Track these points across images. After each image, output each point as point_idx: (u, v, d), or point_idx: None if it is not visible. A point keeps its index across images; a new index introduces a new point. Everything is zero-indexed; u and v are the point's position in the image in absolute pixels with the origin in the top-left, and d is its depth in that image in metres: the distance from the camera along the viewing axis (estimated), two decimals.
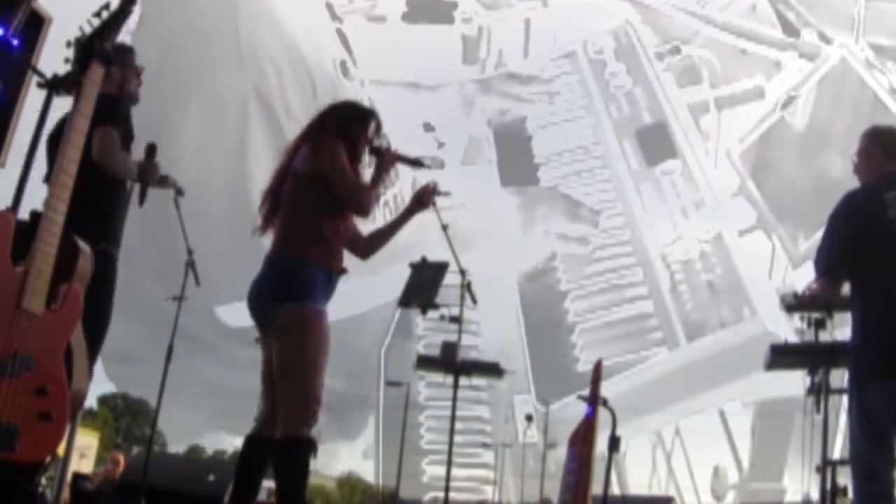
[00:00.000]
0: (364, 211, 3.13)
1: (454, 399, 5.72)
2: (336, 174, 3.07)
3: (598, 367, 5.09)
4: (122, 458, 8.51)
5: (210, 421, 26.87)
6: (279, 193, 3.17)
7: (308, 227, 3.02)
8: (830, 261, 3.11)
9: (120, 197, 3.28)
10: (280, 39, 29.45)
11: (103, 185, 3.15)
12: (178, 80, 27.71)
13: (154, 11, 23.98)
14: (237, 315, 23.15)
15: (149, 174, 3.27)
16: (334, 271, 3.05)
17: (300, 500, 2.79)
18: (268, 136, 27.65)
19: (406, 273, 5.49)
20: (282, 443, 2.85)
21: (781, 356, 4.35)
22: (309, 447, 2.85)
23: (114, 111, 3.20)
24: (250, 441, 3.00)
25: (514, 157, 29.71)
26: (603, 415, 4.74)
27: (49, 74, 2.88)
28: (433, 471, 23.83)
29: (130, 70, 3.52)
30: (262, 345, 3.08)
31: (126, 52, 3.53)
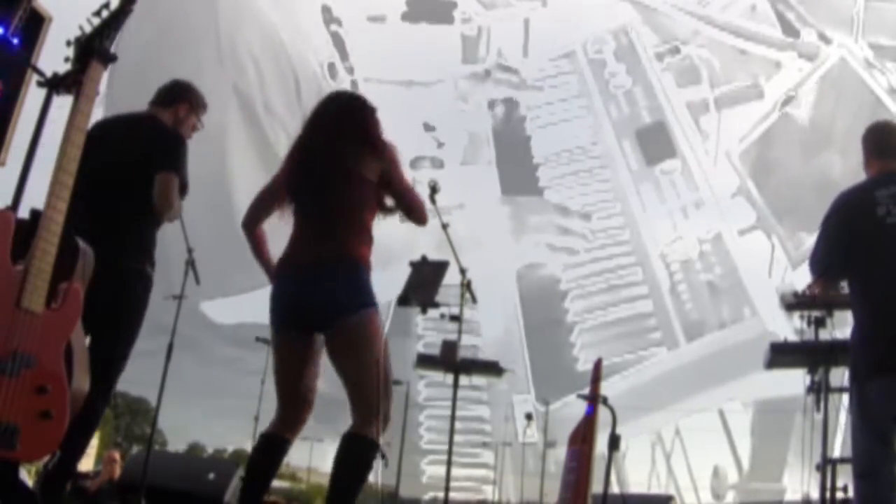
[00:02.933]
0: (425, 219, 3.21)
1: (454, 398, 5.72)
2: (403, 183, 3.12)
3: (597, 366, 5.09)
4: (117, 456, 8.49)
5: (210, 419, 26.89)
6: (327, 189, 3.06)
7: (367, 232, 3.06)
8: (825, 261, 3.12)
9: (157, 223, 3.34)
10: (262, 36, 29.44)
11: (150, 213, 3.23)
12: (161, 78, 27.64)
13: (136, 8, 23.95)
14: (223, 311, 23.09)
15: (175, 215, 3.42)
16: None
17: (352, 499, 2.84)
18: (248, 133, 27.68)
19: (402, 273, 5.47)
20: (353, 438, 2.89)
21: (781, 355, 4.36)
22: (377, 451, 2.92)
23: (181, 156, 3.29)
24: (267, 438, 3.01)
25: (514, 158, 29.73)
26: (603, 414, 4.74)
27: (49, 73, 2.88)
28: (433, 470, 23.83)
29: (196, 111, 3.59)
30: (285, 343, 3.01)
31: (192, 91, 3.60)
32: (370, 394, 2.95)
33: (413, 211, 3.14)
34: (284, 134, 29.50)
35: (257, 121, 28.79)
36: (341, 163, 3.04)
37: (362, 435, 2.91)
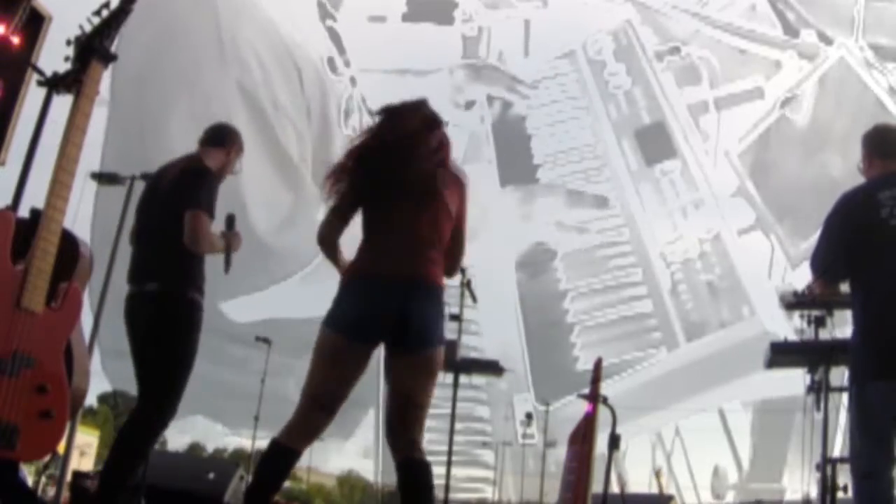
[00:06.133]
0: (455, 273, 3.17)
1: (454, 398, 5.72)
2: (464, 222, 3.08)
3: (597, 365, 5.07)
4: None
5: (210, 419, 26.90)
6: (424, 204, 2.93)
7: (441, 258, 3.01)
8: (827, 261, 3.11)
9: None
10: (262, 32, 29.49)
11: None
12: (165, 81, 27.72)
13: (136, 12, 23.93)
14: (242, 310, 23.13)
15: (233, 244, 3.44)
16: None
17: None
18: (255, 130, 27.73)
19: None
20: (422, 464, 2.91)
21: (781, 354, 4.34)
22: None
23: (209, 191, 3.34)
24: (279, 448, 2.84)
25: (514, 157, 29.75)
26: (603, 414, 4.72)
27: (49, 73, 2.88)
28: (433, 470, 23.86)
29: (240, 155, 3.65)
30: (350, 353, 2.85)
31: (240, 136, 3.69)
32: (425, 419, 2.99)
33: (455, 259, 3.05)
34: (292, 128, 29.56)
35: (265, 117, 28.87)
36: (433, 183, 2.94)
37: (426, 462, 2.92)
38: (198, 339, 3.33)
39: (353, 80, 29.46)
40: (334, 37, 30.10)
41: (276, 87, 29.36)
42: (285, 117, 29.28)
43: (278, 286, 26.93)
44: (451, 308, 5.33)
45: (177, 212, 3.26)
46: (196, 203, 3.26)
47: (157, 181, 3.50)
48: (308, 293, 27.68)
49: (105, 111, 23.68)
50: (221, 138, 3.63)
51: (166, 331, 3.22)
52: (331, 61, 29.86)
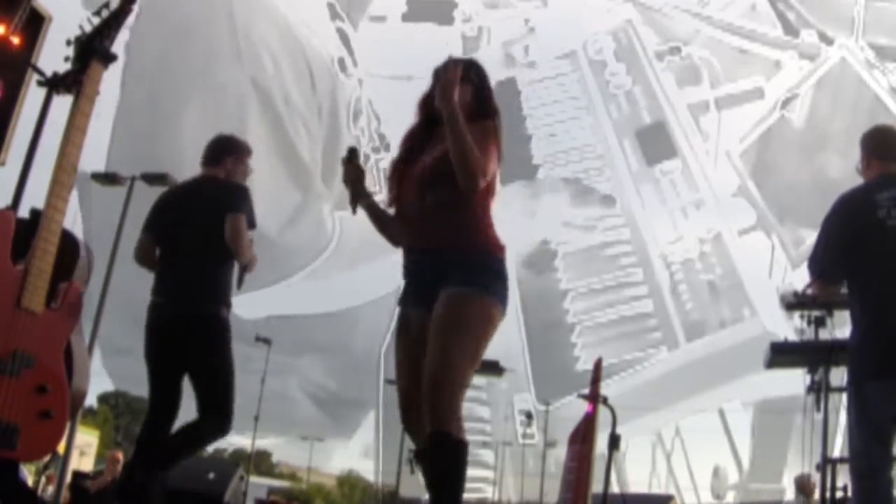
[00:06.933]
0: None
1: None
2: None
3: (597, 366, 5.07)
4: (120, 456, 8.46)
5: None
6: None
7: None
8: (824, 262, 3.11)
9: (233, 267, 3.47)
10: (276, 30, 29.55)
11: (226, 258, 3.38)
12: (178, 75, 27.71)
13: (151, 8, 24.00)
14: (248, 307, 23.11)
15: (252, 264, 3.51)
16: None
17: None
18: (267, 127, 27.73)
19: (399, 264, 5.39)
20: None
21: (781, 354, 4.33)
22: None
23: (247, 202, 3.46)
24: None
25: (514, 158, 29.73)
26: (603, 414, 4.73)
27: (49, 73, 2.88)
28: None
29: (241, 159, 3.71)
30: None
31: (233, 141, 3.72)
32: None
33: None
34: (303, 127, 29.62)
35: (276, 114, 28.96)
36: None
37: None
38: (228, 353, 3.38)
39: (361, 82, 29.55)
40: (343, 38, 30.18)
41: (288, 83, 29.46)
42: (297, 115, 29.36)
43: (284, 282, 26.94)
44: None
45: (215, 227, 3.32)
46: (237, 208, 3.38)
47: (183, 200, 3.55)
48: (312, 289, 27.67)
49: (111, 110, 23.72)
50: (215, 156, 3.70)
51: (210, 349, 3.30)
52: (341, 61, 29.94)
